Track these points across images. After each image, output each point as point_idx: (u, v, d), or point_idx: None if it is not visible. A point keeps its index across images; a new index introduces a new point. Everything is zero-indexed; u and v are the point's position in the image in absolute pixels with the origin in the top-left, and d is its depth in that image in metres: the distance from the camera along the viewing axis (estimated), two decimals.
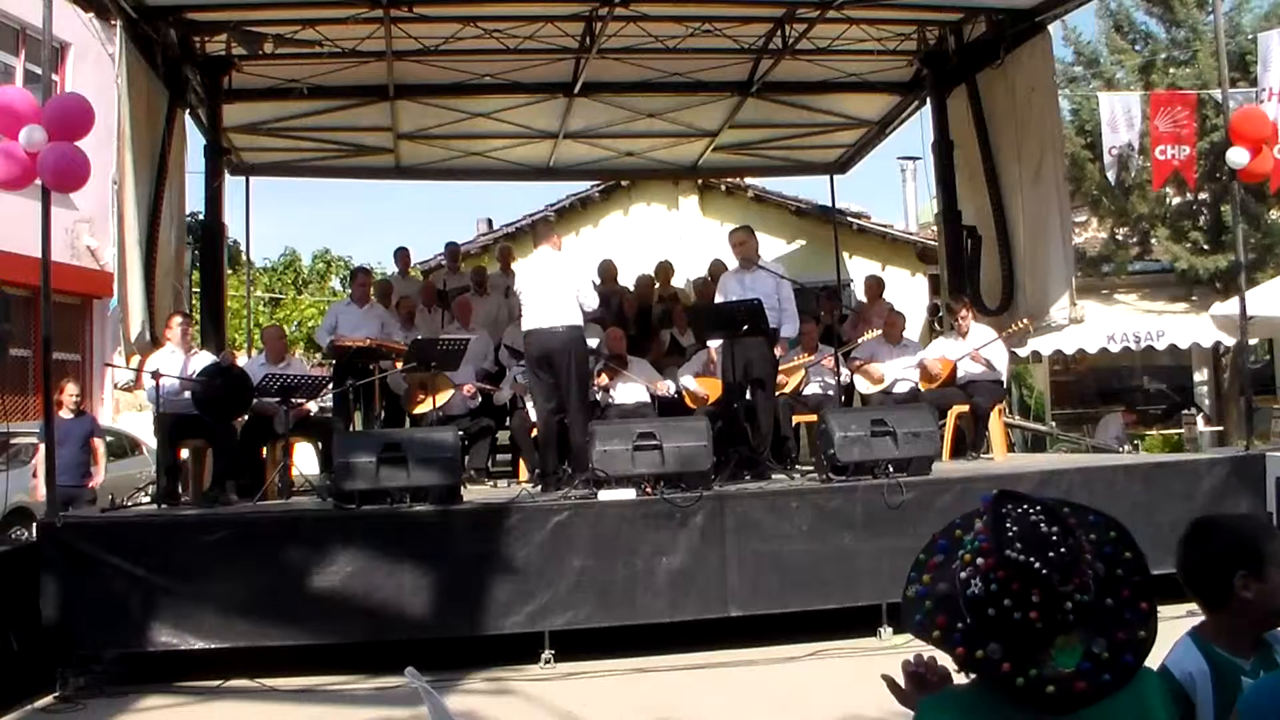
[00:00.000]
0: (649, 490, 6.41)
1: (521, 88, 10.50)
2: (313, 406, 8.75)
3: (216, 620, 5.93)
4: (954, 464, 8.09)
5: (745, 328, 7.26)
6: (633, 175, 14.30)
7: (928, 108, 10.66)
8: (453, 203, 77.12)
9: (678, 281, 11.43)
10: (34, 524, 7.62)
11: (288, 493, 7.71)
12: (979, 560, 1.50)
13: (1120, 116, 10.41)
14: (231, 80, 9.93)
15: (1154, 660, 1.66)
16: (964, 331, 8.70)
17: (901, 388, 8.79)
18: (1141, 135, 10.45)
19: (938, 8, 9.77)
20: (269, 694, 5.69)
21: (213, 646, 5.94)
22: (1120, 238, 17.13)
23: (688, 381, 8.58)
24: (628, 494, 6.38)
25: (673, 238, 14.31)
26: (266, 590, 5.99)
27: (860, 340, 9.01)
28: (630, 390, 8.45)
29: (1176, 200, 16.46)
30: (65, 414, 8.79)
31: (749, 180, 15.08)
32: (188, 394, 7.44)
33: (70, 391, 9.02)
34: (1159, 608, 1.55)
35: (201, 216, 10.34)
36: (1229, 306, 11.27)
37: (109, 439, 10.34)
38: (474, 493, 7.39)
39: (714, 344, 7.91)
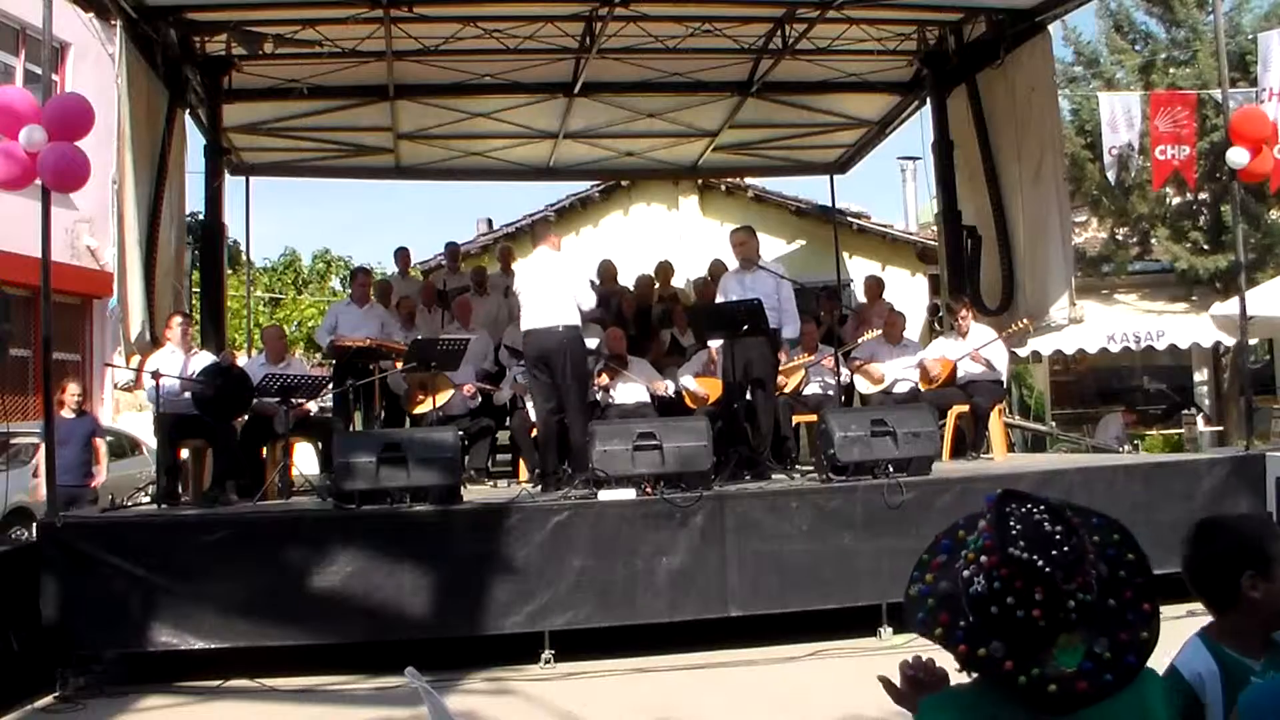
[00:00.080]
0: (649, 490, 6.40)
1: (521, 88, 10.50)
2: (313, 406, 8.75)
3: (216, 620, 5.93)
4: (954, 464, 8.08)
5: (745, 328, 7.26)
6: (633, 175, 14.30)
7: (928, 108, 10.66)
8: (453, 203, 77.23)
9: (678, 281, 11.43)
10: (34, 524, 7.62)
11: (288, 493, 7.71)
12: (982, 558, 1.50)
13: (1120, 116, 10.41)
14: (231, 80, 9.93)
15: (1162, 660, 1.67)
16: (964, 331, 8.69)
17: (901, 388, 8.79)
18: (1141, 135, 10.45)
19: (938, 8, 9.77)
20: (269, 694, 5.69)
21: (213, 646, 5.94)
22: (1120, 238, 17.13)
23: (688, 381, 8.58)
24: (628, 494, 6.38)
25: (673, 238, 14.31)
26: (266, 590, 5.98)
27: (860, 340, 9.01)
28: (630, 390, 8.45)
29: (1176, 200, 16.46)
30: (67, 414, 8.79)
31: (749, 180, 15.08)
32: (188, 394, 7.44)
33: (72, 391, 9.03)
34: (1159, 608, 1.55)
35: (201, 216, 10.34)
36: (1229, 306, 11.27)
37: (109, 439, 10.34)
38: (474, 493, 7.39)
39: (715, 344, 7.91)
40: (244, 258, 15.17)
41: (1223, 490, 7.02)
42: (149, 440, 11.04)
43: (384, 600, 6.01)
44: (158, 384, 7.16)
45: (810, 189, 26.97)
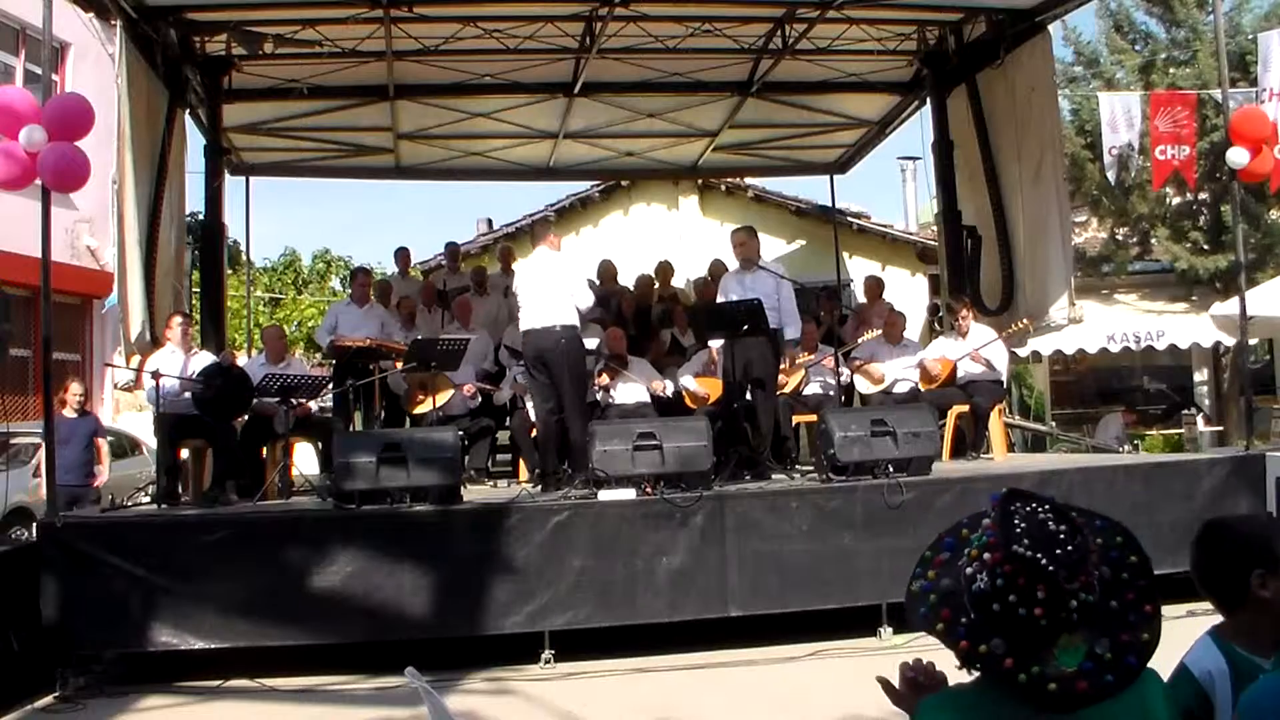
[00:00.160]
0: (649, 490, 6.40)
1: (521, 88, 10.50)
2: (313, 406, 8.75)
3: (216, 620, 5.93)
4: (954, 464, 8.08)
5: (745, 328, 7.26)
6: (633, 175, 14.30)
7: (928, 108, 10.66)
8: (453, 203, 77.22)
9: (678, 281, 11.43)
10: (34, 524, 7.62)
11: (288, 493, 7.72)
12: (986, 555, 1.51)
13: (1120, 116, 10.41)
14: (231, 80, 9.93)
15: (1165, 659, 1.66)
16: (964, 331, 8.69)
17: (901, 388, 8.79)
18: (1141, 135, 10.45)
19: (938, 8, 9.77)
20: (269, 694, 5.69)
21: (213, 646, 5.94)
22: (1120, 238, 17.13)
23: (688, 381, 8.57)
24: (628, 494, 6.38)
25: (673, 238, 14.32)
26: (266, 590, 5.98)
27: (860, 340, 9.01)
28: (630, 390, 8.45)
29: (1176, 200, 16.46)
30: (69, 413, 8.81)
31: (749, 180, 15.08)
32: (188, 394, 7.44)
33: (75, 391, 9.04)
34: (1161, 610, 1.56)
35: (201, 216, 10.34)
36: (1229, 306, 11.27)
37: (109, 439, 10.35)
38: (474, 493, 7.39)
39: (715, 344, 7.91)
40: (244, 258, 15.16)
41: (1223, 490, 7.02)
42: (149, 440, 11.04)
43: (384, 600, 6.01)
44: (158, 384, 7.16)
45: (810, 189, 27.00)
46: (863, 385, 9.01)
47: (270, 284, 26.20)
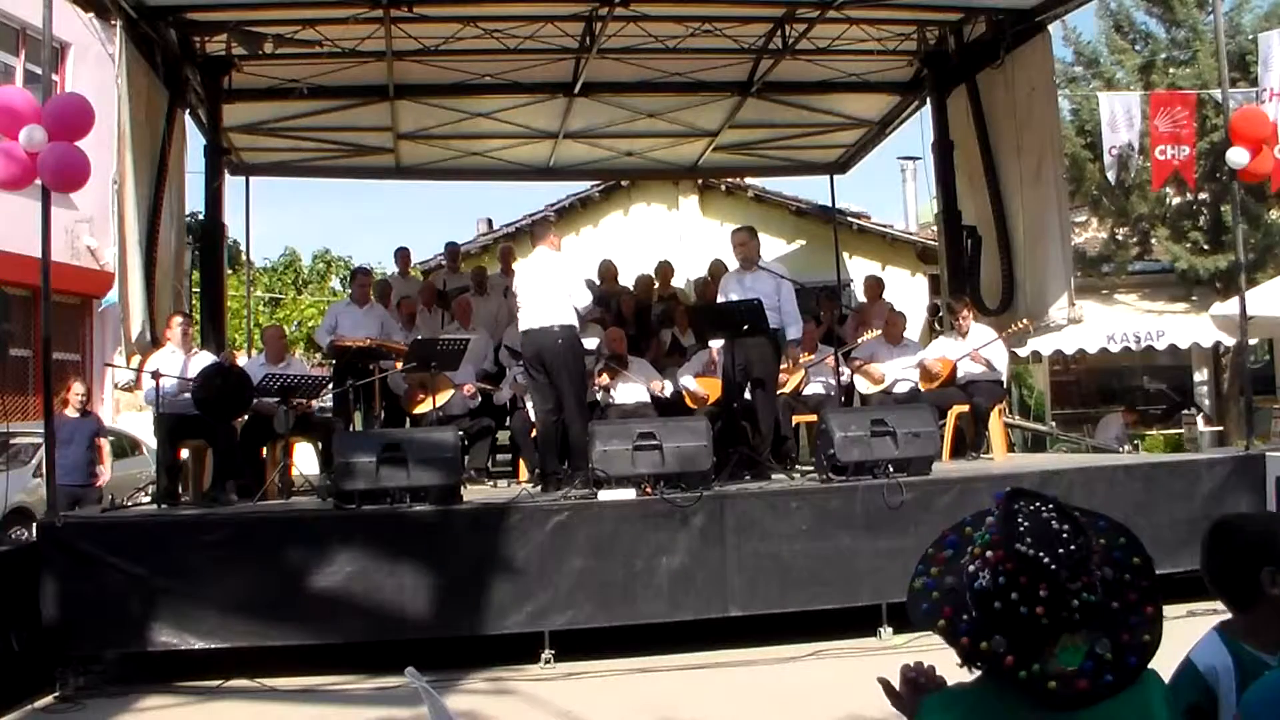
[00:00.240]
0: (649, 490, 6.40)
1: (521, 88, 10.50)
2: (313, 406, 8.75)
3: (216, 620, 5.93)
4: (954, 464, 8.08)
5: (746, 328, 7.26)
6: (633, 175, 14.32)
7: (928, 108, 10.67)
8: (453, 203, 77.30)
9: (678, 281, 11.43)
10: (34, 524, 7.62)
11: (288, 493, 7.72)
12: (988, 553, 1.51)
13: (1120, 116, 10.41)
14: (231, 80, 9.93)
15: (1171, 660, 1.66)
16: (964, 331, 8.69)
17: (901, 388, 8.80)
18: (1141, 135, 10.45)
19: (938, 8, 9.77)
20: (269, 694, 5.69)
21: (213, 646, 5.94)
22: (1120, 238, 17.13)
23: (688, 381, 8.57)
24: (628, 494, 6.38)
25: (673, 238, 14.33)
26: (267, 590, 5.98)
27: (860, 340, 9.01)
28: (630, 390, 8.45)
29: (1176, 200, 16.46)
30: (71, 413, 8.81)
31: (749, 180, 15.10)
32: (188, 394, 7.44)
33: (77, 391, 9.05)
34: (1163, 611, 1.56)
35: (201, 216, 10.35)
36: (1229, 306, 11.27)
37: (110, 439, 10.35)
38: (474, 493, 7.39)
39: (715, 344, 7.91)
40: (244, 258, 15.17)
41: (1223, 490, 7.02)
42: (149, 440, 11.04)
43: (384, 600, 6.01)
44: (158, 384, 7.16)
45: (810, 189, 26.99)
46: (863, 385, 9.01)
47: (270, 284, 26.21)
